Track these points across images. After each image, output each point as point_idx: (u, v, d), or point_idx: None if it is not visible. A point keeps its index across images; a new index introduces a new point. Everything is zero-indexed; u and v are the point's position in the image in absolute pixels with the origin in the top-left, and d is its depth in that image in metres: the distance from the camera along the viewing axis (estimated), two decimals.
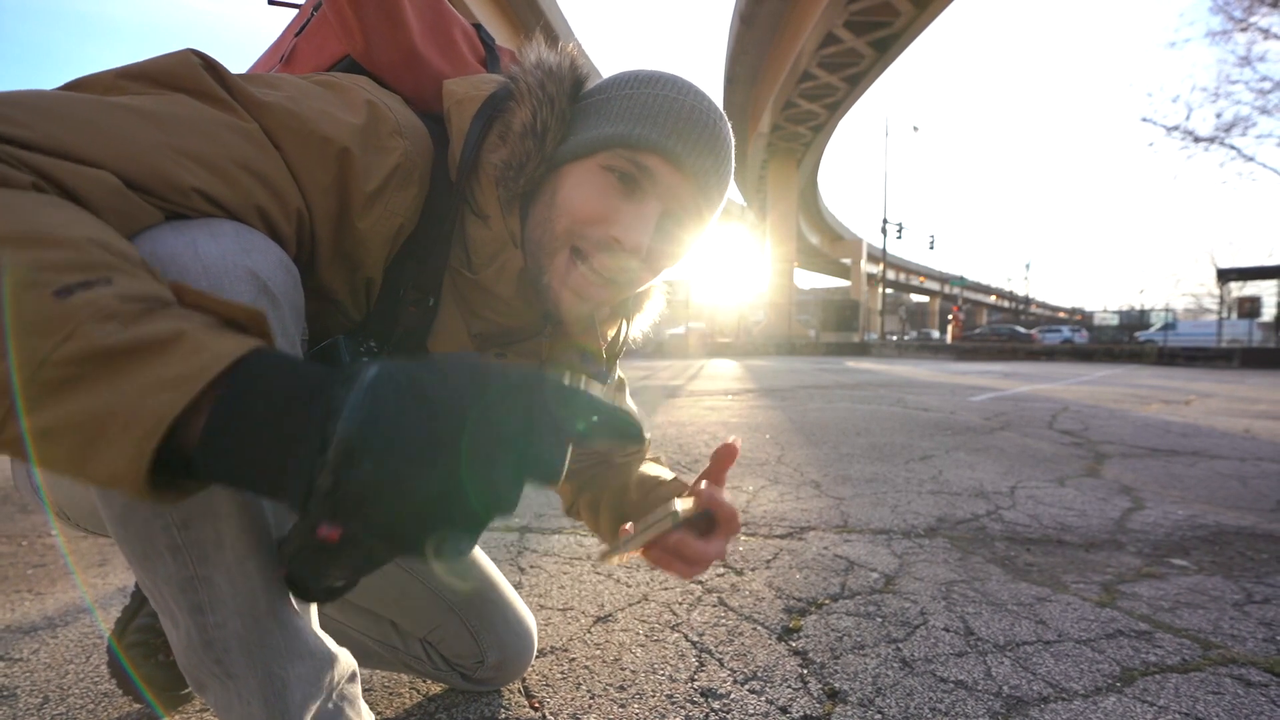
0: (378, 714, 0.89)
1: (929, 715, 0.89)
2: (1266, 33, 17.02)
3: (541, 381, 0.37)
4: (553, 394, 0.37)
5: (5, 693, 0.92)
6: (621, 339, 0.82)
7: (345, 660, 0.58)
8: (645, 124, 0.61)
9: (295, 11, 0.83)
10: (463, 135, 0.63)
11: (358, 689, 0.59)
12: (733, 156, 0.67)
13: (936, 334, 46.67)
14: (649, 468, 0.87)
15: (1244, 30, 17.20)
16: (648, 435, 0.40)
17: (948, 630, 1.15)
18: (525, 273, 0.66)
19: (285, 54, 0.74)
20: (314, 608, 0.57)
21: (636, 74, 0.66)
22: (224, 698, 0.50)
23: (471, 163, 0.63)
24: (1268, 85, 17.40)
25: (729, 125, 0.67)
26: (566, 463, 0.37)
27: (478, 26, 0.82)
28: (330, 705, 0.55)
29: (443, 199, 0.63)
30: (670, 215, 0.64)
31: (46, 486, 0.58)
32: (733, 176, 0.69)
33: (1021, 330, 31.40)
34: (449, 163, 0.63)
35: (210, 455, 0.32)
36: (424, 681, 0.97)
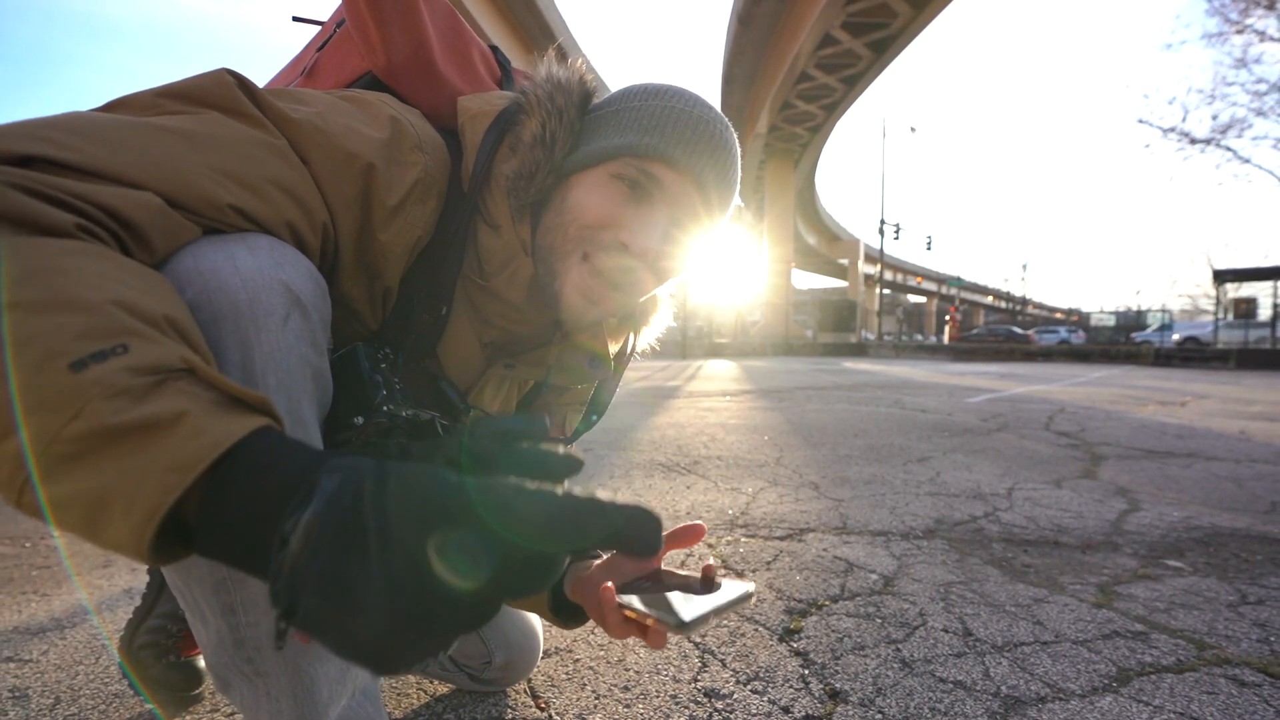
0: (386, 714, 0.90)
1: (928, 715, 0.90)
2: (1263, 35, 17.09)
3: (509, 498, 0.33)
4: (523, 507, 0.33)
5: (18, 694, 0.93)
6: (629, 350, 0.83)
7: None
8: (653, 134, 0.63)
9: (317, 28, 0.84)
10: (475, 148, 0.65)
11: (378, 689, 0.61)
12: (739, 165, 0.69)
13: (920, 336, 46.83)
14: None
15: (1240, 32, 17.28)
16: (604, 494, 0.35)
17: (946, 631, 1.17)
18: (535, 279, 0.67)
19: (307, 67, 0.76)
20: None
21: (645, 87, 0.68)
22: (251, 696, 0.52)
23: (484, 174, 0.65)
24: (1263, 87, 17.48)
25: (735, 135, 0.68)
26: (553, 575, 0.34)
27: (495, 49, 0.84)
28: (354, 704, 0.57)
29: (457, 210, 0.65)
30: (677, 222, 0.66)
31: None
32: (738, 185, 0.70)
33: (1018, 331, 31.48)
34: (463, 174, 0.65)
35: (203, 546, 0.34)
36: (431, 682, 0.98)
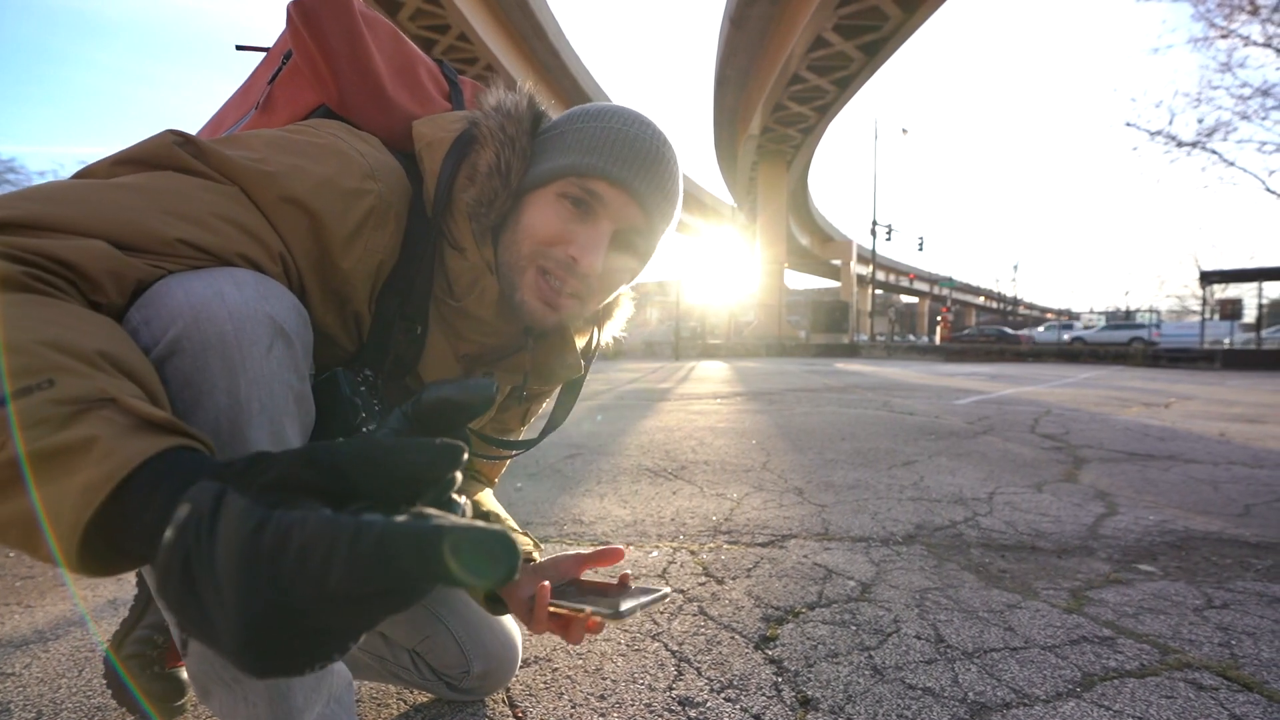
0: None
1: None
2: (1247, 40, 17.26)
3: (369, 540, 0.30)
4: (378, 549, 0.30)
5: None
6: (594, 345, 0.88)
7: (341, 670, 0.62)
8: (593, 154, 0.68)
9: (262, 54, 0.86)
10: (435, 176, 0.68)
11: (352, 697, 0.63)
12: (678, 177, 0.74)
13: (912, 337, 47.11)
14: (486, 499, 0.97)
15: (1225, 37, 17.43)
16: (524, 548, 0.33)
17: (919, 638, 1.19)
18: (502, 296, 0.71)
19: (261, 101, 0.78)
20: None
21: (588, 109, 0.72)
22: (229, 702, 0.55)
23: (445, 201, 0.68)
24: (1248, 91, 17.64)
25: (673, 150, 0.73)
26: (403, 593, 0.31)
27: (440, 62, 0.88)
28: (328, 711, 0.59)
29: (421, 234, 0.68)
30: (622, 234, 0.71)
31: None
32: (680, 196, 0.75)
33: (1009, 331, 31.69)
34: (425, 200, 0.68)
35: (126, 556, 0.37)
36: (411, 691, 1.00)
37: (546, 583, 0.72)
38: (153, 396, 0.42)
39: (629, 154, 0.69)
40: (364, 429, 0.62)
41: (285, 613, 0.30)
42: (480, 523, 0.31)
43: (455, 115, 0.74)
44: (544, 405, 0.96)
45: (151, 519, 0.35)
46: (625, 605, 0.64)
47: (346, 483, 0.34)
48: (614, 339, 0.91)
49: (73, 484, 0.35)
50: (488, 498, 0.98)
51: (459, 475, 0.37)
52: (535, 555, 0.87)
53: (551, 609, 0.70)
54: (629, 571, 0.69)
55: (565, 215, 0.68)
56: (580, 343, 0.84)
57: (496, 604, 0.85)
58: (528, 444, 0.87)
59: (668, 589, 0.66)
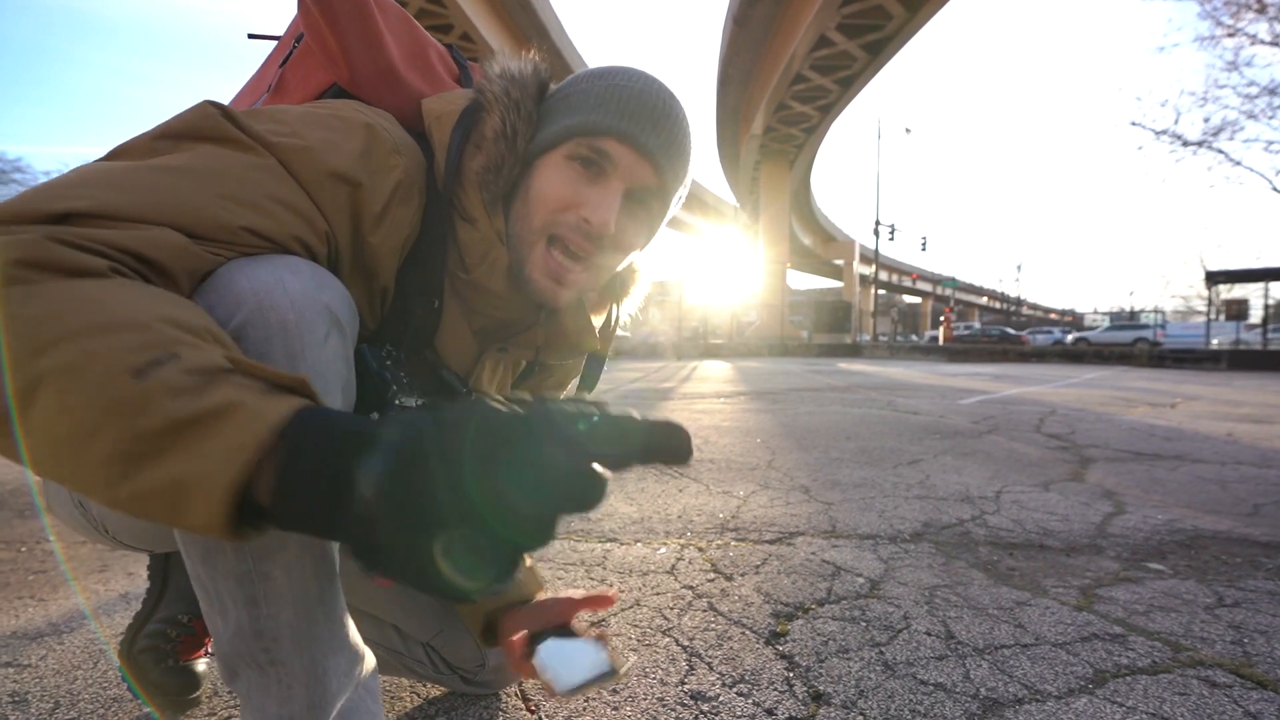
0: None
1: (908, 717, 0.93)
2: (1254, 38, 17.21)
3: (554, 421, 0.38)
4: (567, 428, 0.38)
5: (17, 699, 0.95)
6: (613, 322, 0.86)
7: (370, 657, 0.62)
8: (599, 111, 0.66)
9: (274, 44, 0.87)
10: (444, 148, 0.68)
11: (378, 685, 0.64)
12: (689, 132, 0.72)
13: (915, 337, 46.96)
14: None
15: (1232, 36, 17.39)
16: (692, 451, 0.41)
17: (929, 634, 1.19)
18: (512, 268, 0.70)
19: (273, 84, 0.78)
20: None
21: (591, 70, 0.71)
22: (261, 684, 0.54)
23: (455, 172, 0.68)
24: (1254, 90, 17.60)
25: (682, 106, 0.71)
26: (604, 489, 0.38)
27: (450, 47, 0.88)
28: (356, 697, 0.59)
29: (435, 208, 0.68)
30: (634, 193, 0.69)
31: (85, 500, 0.62)
32: (692, 153, 0.73)
33: (1011, 331, 31.61)
34: (435, 174, 0.68)
35: (278, 516, 0.38)
36: (424, 685, 1.00)
37: (517, 636, 0.76)
38: None
39: (636, 110, 0.67)
40: (395, 402, 0.63)
41: (509, 506, 0.36)
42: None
43: (463, 91, 0.74)
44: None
45: (322, 462, 0.37)
46: (567, 686, 0.68)
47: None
48: (621, 327, 0.90)
49: (221, 445, 0.36)
50: None
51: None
52: (539, 594, 0.87)
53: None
54: (606, 627, 0.75)
55: (574, 177, 0.67)
56: (598, 321, 0.82)
57: (489, 636, 0.85)
58: None
59: (626, 665, 0.72)
